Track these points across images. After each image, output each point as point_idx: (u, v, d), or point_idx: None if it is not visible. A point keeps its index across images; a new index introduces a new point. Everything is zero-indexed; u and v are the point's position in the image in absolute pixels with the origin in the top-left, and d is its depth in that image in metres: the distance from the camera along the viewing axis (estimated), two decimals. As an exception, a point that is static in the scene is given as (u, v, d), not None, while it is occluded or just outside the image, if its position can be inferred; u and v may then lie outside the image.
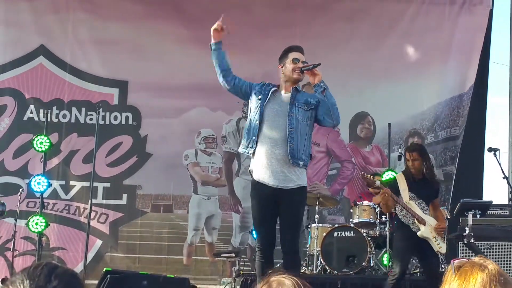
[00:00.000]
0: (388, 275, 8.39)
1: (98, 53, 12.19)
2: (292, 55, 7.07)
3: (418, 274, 9.82)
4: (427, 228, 8.22)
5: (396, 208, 8.39)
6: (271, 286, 2.77)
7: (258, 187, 6.85)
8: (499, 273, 2.65)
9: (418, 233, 8.19)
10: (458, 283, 2.67)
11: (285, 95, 6.97)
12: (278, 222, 6.92)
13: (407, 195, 8.30)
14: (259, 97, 6.95)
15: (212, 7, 12.08)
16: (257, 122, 6.84)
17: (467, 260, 2.76)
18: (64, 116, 12.06)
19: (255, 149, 6.81)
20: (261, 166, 6.81)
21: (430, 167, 8.58)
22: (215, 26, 7.12)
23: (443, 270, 9.64)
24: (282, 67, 7.11)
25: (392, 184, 8.48)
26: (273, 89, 7.00)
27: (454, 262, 2.73)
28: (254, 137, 6.83)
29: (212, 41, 7.12)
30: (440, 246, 8.29)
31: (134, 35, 12.27)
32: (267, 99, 6.91)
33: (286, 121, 6.80)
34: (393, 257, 8.57)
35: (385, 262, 10.08)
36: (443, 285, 2.76)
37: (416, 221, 8.20)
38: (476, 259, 2.74)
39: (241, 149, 7.07)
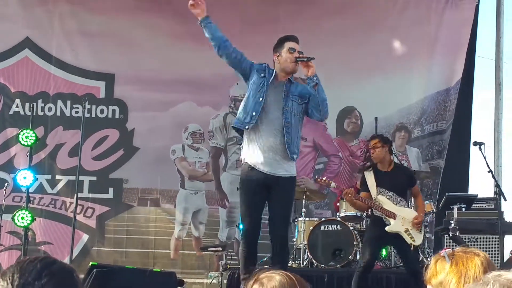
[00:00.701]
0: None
1: (84, 45, 12.14)
2: (288, 44, 7.02)
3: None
4: (398, 222, 8.22)
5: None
6: (262, 283, 2.77)
7: (251, 173, 6.80)
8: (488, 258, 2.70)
9: (387, 228, 8.18)
10: (457, 269, 2.70)
11: (278, 85, 6.91)
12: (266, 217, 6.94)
13: (375, 190, 8.30)
14: (262, 75, 6.91)
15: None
16: (260, 99, 6.77)
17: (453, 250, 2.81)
18: (50, 109, 12.01)
19: (252, 126, 6.76)
20: (255, 153, 6.78)
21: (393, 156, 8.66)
22: (190, 3, 6.90)
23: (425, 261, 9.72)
24: (277, 57, 7.06)
25: (362, 182, 8.51)
26: (275, 72, 6.95)
27: (446, 251, 2.77)
28: (254, 113, 6.76)
29: (199, 18, 6.93)
30: (413, 239, 8.29)
31: (121, 27, 12.22)
32: (272, 79, 6.87)
33: (281, 114, 6.77)
34: (362, 248, 8.61)
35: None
36: (435, 275, 2.78)
37: (384, 216, 8.22)
38: (462, 248, 2.79)
39: (236, 124, 6.97)
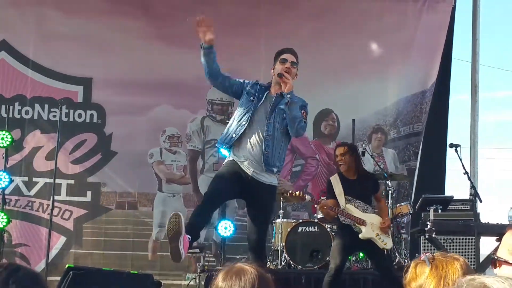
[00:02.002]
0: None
1: (62, 49, 12.11)
2: (282, 56, 7.04)
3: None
4: (369, 228, 8.26)
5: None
6: (236, 273, 2.81)
7: (233, 165, 6.85)
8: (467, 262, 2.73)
9: (360, 236, 8.20)
10: (437, 273, 2.73)
11: (270, 98, 6.95)
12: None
13: (343, 199, 8.32)
14: (252, 98, 6.93)
15: (178, 4, 12.15)
16: (244, 123, 6.85)
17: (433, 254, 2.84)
18: (27, 112, 11.97)
19: (231, 148, 6.88)
20: (239, 159, 6.84)
21: (361, 163, 8.70)
22: (198, 20, 7.02)
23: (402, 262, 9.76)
24: (273, 69, 7.10)
25: (328, 189, 8.53)
26: (266, 92, 6.98)
27: (426, 255, 2.80)
28: (234, 135, 6.86)
29: (203, 43, 6.93)
30: (385, 243, 8.33)
31: (97, 31, 12.19)
32: (260, 103, 6.90)
33: (265, 127, 6.83)
34: (330, 255, 8.52)
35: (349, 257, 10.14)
36: (414, 278, 2.81)
37: (356, 224, 8.25)
38: (442, 252, 2.82)
39: (218, 142, 7.09)
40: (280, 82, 6.88)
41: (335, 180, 8.42)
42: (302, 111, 6.84)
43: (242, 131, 6.83)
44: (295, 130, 6.81)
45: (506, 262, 2.61)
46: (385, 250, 8.55)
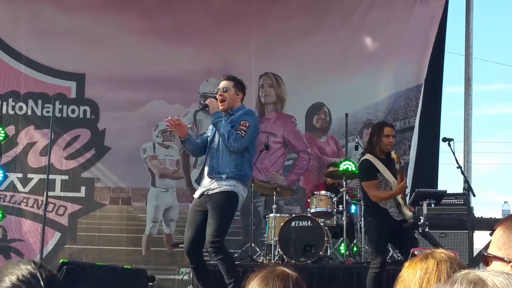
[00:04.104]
0: (370, 266, 8.20)
1: (55, 45, 12.11)
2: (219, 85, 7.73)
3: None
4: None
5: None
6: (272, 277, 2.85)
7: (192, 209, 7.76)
8: (438, 265, 2.72)
9: (408, 218, 8.12)
10: (405, 271, 2.75)
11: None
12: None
13: (390, 174, 8.23)
14: (208, 134, 7.71)
15: (170, -1, 12.19)
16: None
17: (425, 251, 2.85)
18: (21, 108, 11.98)
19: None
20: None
21: None
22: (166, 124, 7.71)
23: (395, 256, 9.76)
24: None
25: (368, 170, 8.35)
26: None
27: (413, 251, 2.82)
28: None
29: (180, 139, 7.58)
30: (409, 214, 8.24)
31: (89, 26, 12.19)
32: (213, 133, 7.60)
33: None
34: (373, 248, 8.42)
35: (342, 251, 10.17)
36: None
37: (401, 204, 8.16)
38: (430, 250, 2.83)
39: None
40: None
41: (373, 158, 8.24)
42: (241, 122, 7.39)
43: (203, 162, 7.63)
44: (229, 144, 7.33)
45: (496, 257, 2.63)
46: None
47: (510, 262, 2.44)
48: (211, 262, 8.15)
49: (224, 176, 7.32)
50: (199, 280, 7.64)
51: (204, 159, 7.60)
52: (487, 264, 2.75)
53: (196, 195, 7.53)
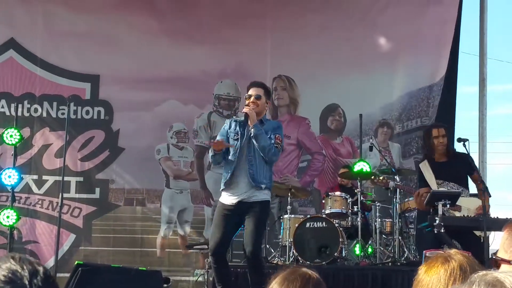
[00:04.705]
0: None
1: (69, 46, 12.15)
2: (248, 91, 7.82)
3: (389, 263, 9.87)
4: (464, 213, 8.11)
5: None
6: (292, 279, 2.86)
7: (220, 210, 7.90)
8: (461, 267, 2.71)
9: None
10: (425, 275, 2.74)
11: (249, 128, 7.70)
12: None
13: (434, 183, 8.13)
14: (235, 137, 7.79)
15: (185, -1, 12.22)
16: (233, 159, 7.73)
17: (440, 252, 2.83)
18: (36, 110, 12.00)
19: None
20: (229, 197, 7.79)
21: (451, 144, 8.43)
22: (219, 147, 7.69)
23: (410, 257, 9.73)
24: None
25: (419, 177, 8.27)
26: (246, 126, 7.70)
27: (426, 253, 2.82)
28: (227, 174, 7.78)
29: (215, 151, 7.71)
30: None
31: (104, 27, 12.22)
32: (244, 138, 7.73)
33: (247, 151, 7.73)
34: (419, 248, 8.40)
35: (357, 252, 10.14)
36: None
37: (449, 210, 8.08)
38: (446, 251, 2.81)
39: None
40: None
41: (424, 166, 8.25)
42: (276, 135, 7.66)
43: (233, 167, 7.68)
44: (267, 157, 7.61)
45: (503, 260, 2.63)
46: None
47: None
48: (231, 264, 8.67)
49: (263, 186, 7.63)
50: (219, 281, 7.81)
51: (230, 165, 7.73)
52: (497, 266, 2.74)
53: (228, 201, 7.71)
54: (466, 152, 8.37)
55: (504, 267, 2.66)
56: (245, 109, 7.62)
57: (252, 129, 7.57)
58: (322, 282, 2.98)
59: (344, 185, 11.19)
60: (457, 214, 8.11)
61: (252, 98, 7.69)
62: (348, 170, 10.89)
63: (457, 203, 8.05)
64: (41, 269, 2.22)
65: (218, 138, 7.86)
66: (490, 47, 12.47)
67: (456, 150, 8.80)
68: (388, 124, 12.39)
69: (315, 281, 2.93)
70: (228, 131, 7.83)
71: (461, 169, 8.33)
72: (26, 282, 2.16)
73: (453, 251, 2.83)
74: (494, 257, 2.75)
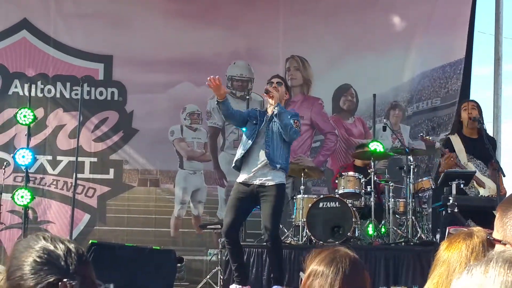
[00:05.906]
0: None
1: (82, 27, 12.16)
2: (269, 80, 8.19)
3: (402, 243, 9.86)
4: (487, 191, 8.12)
5: None
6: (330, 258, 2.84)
7: (237, 187, 8.26)
8: (483, 243, 2.71)
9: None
10: (446, 251, 2.74)
11: (268, 117, 8.04)
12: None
13: (465, 156, 8.15)
14: (254, 122, 8.03)
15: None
16: (250, 142, 7.97)
17: (462, 229, 2.84)
18: (49, 91, 12.02)
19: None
20: (247, 175, 8.04)
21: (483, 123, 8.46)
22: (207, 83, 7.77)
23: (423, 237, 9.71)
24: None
25: (447, 147, 8.32)
26: (265, 115, 8.08)
27: (449, 230, 2.82)
28: (242, 151, 8.03)
29: (219, 99, 7.85)
30: None
31: (117, 8, 12.24)
32: (262, 124, 8.03)
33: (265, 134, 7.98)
34: None
35: (370, 232, 10.13)
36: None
37: (475, 184, 8.08)
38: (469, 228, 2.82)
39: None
40: (268, 99, 7.99)
41: (456, 138, 8.32)
42: (294, 120, 7.93)
43: (248, 147, 7.91)
44: (288, 135, 7.85)
45: (495, 240, 2.63)
46: None
47: (506, 244, 2.44)
48: (244, 244, 9.03)
49: (278, 166, 7.84)
50: (234, 261, 8.08)
51: (245, 146, 7.96)
52: (492, 247, 2.74)
53: (241, 179, 7.99)
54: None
55: (497, 247, 2.66)
56: (270, 89, 7.93)
57: (276, 107, 7.83)
58: (361, 262, 3.02)
59: (360, 166, 11.10)
60: (481, 190, 8.08)
61: (274, 84, 8.03)
62: (364, 149, 10.82)
63: (483, 180, 8.02)
64: (73, 246, 2.13)
65: (244, 112, 8.37)
66: (506, 26, 12.40)
67: (486, 131, 8.80)
68: (400, 106, 12.35)
69: (358, 260, 2.97)
70: (251, 113, 8.19)
71: (488, 150, 8.31)
72: (62, 263, 2.07)
73: (476, 228, 2.83)
74: (488, 237, 2.74)
